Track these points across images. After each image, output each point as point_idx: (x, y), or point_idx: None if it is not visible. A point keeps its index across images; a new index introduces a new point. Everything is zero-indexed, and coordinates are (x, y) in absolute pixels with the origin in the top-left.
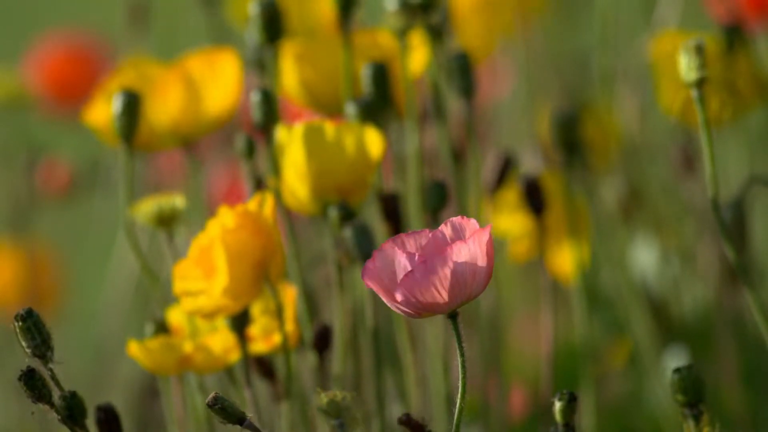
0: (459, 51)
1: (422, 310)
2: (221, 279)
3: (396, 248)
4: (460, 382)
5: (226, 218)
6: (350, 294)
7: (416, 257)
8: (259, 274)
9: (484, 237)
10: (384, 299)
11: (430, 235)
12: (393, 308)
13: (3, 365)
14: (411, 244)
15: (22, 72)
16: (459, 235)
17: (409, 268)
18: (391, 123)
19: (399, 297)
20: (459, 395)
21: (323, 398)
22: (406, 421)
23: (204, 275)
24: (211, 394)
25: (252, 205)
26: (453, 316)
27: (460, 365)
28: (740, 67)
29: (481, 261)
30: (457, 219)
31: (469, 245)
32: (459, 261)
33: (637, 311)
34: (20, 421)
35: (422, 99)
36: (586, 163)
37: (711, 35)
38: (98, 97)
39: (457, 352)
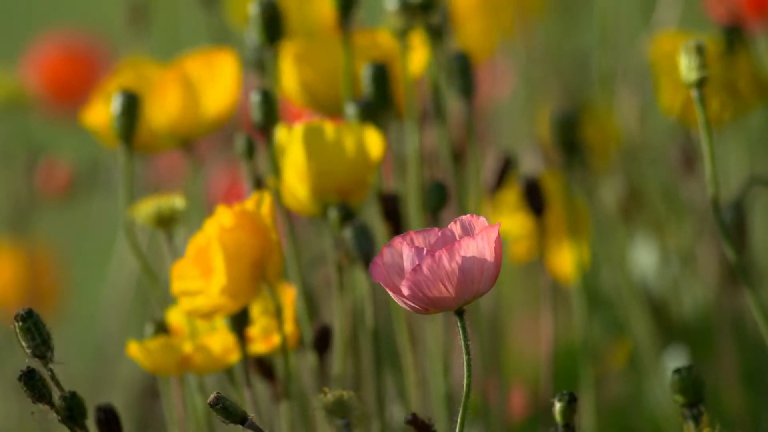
0: (459, 51)
1: (429, 305)
2: (219, 278)
3: (404, 244)
4: (465, 380)
5: (223, 217)
6: (350, 294)
7: (424, 251)
8: (256, 274)
9: (493, 234)
10: (391, 294)
11: (439, 233)
12: (400, 303)
13: (3, 365)
14: (420, 241)
15: (22, 72)
16: (468, 233)
17: (417, 263)
18: (391, 123)
19: (406, 291)
20: (464, 392)
21: (329, 398)
22: (413, 420)
23: (202, 275)
24: (213, 394)
25: (249, 204)
26: (460, 313)
27: (465, 363)
28: (740, 67)
29: (489, 257)
30: (466, 217)
31: (477, 241)
32: (467, 256)
33: (637, 311)
34: (20, 421)
35: (422, 99)
36: (585, 164)
37: (711, 35)
38: (96, 98)
39: (463, 349)
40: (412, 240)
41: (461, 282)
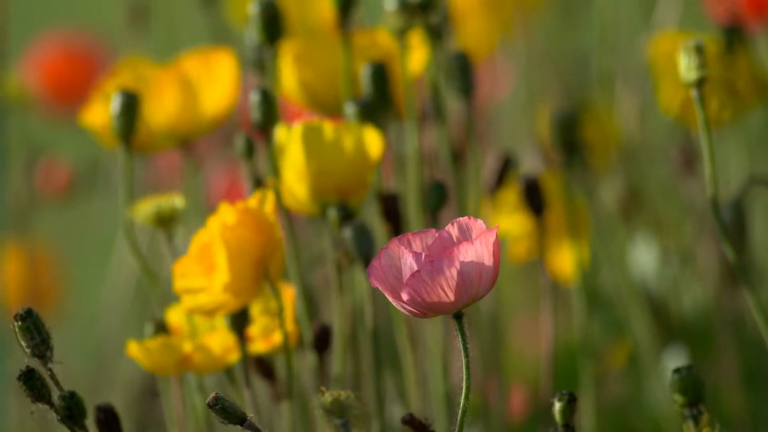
0: (458, 51)
1: (428, 309)
2: (222, 276)
3: (402, 247)
4: (464, 382)
5: (226, 215)
6: (350, 294)
7: (423, 257)
8: (259, 271)
9: (491, 238)
10: (389, 298)
11: (436, 234)
12: (399, 308)
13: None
14: (417, 243)
15: (22, 72)
16: (465, 235)
17: (416, 268)
18: (390, 123)
19: (405, 296)
20: (463, 395)
21: (327, 398)
22: (410, 420)
23: (204, 272)
24: (212, 394)
25: (253, 202)
26: (458, 317)
27: (464, 365)
28: (740, 67)
29: (488, 261)
30: (464, 219)
31: (476, 246)
32: (466, 261)
33: (636, 311)
34: (20, 420)
35: (422, 99)
36: (585, 164)
37: (711, 35)
38: (95, 99)
39: (462, 352)
40: (409, 242)
41: (460, 287)
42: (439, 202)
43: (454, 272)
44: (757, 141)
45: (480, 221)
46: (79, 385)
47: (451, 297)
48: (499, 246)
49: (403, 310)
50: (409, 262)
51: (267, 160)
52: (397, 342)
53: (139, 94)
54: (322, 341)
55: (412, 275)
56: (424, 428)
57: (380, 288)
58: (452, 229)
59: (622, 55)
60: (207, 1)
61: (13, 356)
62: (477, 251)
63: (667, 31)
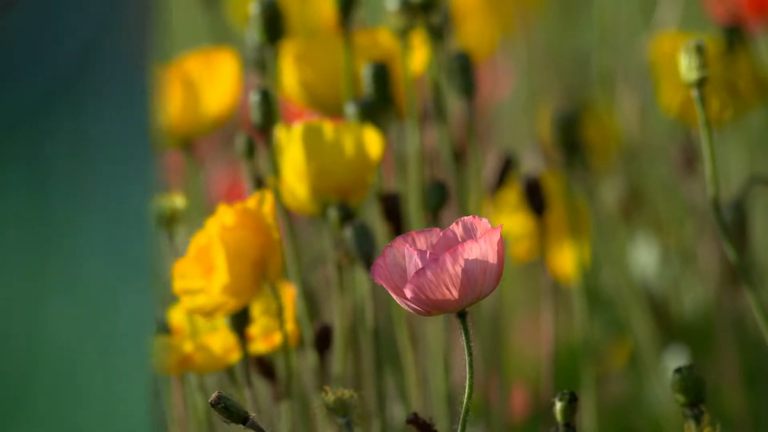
0: (459, 51)
1: (432, 307)
2: (221, 277)
3: (407, 245)
4: (467, 381)
5: (225, 216)
6: (350, 294)
7: (428, 254)
8: (258, 272)
9: (496, 236)
10: (394, 297)
11: (441, 233)
12: (402, 305)
13: None
14: (422, 242)
15: None
16: (470, 234)
17: (420, 266)
18: (391, 123)
19: (409, 294)
20: (466, 393)
21: (330, 396)
22: (414, 420)
23: (203, 273)
24: (215, 393)
25: (251, 203)
26: (462, 315)
27: (467, 364)
28: (740, 67)
29: (492, 259)
30: (468, 218)
31: (480, 244)
32: (470, 259)
33: (637, 311)
34: None
35: (423, 99)
36: (586, 164)
37: (711, 35)
38: None
39: (465, 350)
40: (413, 241)
41: (464, 285)
42: (439, 202)
43: (459, 270)
44: (757, 141)
45: (485, 220)
46: None
47: (456, 295)
48: (504, 245)
49: (407, 308)
50: (413, 260)
51: (267, 160)
52: (398, 341)
53: None
54: (322, 341)
55: (417, 273)
56: (427, 428)
57: (384, 286)
58: (457, 228)
59: (622, 55)
60: (207, 1)
61: None
62: (481, 249)
63: (668, 31)
